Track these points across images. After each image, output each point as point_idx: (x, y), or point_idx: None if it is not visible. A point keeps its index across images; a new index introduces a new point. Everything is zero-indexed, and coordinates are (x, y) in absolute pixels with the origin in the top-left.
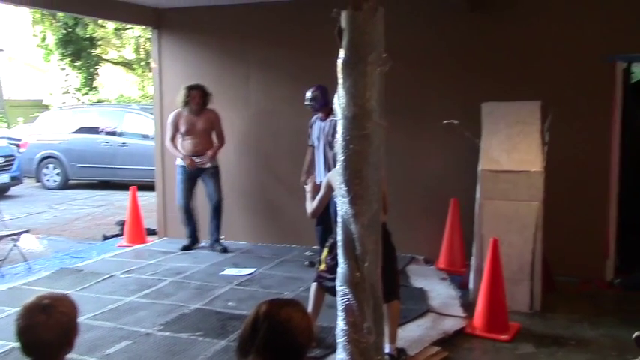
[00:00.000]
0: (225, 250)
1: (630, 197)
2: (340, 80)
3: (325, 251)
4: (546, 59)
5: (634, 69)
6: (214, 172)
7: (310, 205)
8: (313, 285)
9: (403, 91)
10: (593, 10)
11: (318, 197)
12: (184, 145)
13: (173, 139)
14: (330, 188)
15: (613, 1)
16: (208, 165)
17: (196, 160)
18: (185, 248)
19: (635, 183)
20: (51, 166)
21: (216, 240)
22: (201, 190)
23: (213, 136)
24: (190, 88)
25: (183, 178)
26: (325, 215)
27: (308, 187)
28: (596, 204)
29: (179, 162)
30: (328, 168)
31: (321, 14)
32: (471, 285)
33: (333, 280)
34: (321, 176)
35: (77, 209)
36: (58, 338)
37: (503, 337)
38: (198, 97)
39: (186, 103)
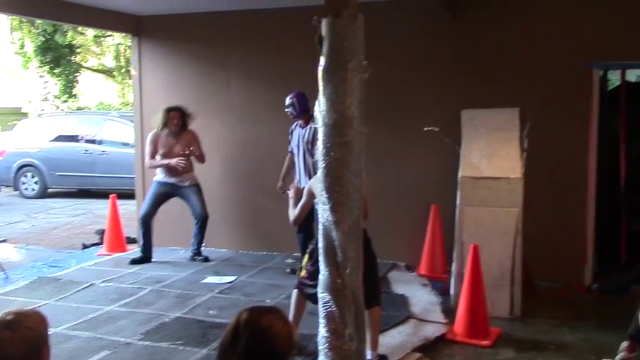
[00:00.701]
0: (206, 259)
1: (607, 202)
2: (320, 87)
3: (306, 257)
4: (526, 66)
5: (610, 76)
6: (197, 190)
7: (292, 212)
8: (294, 292)
9: (384, 98)
10: (571, 19)
11: (299, 204)
12: (165, 174)
13: (153, 157)
14: (311, 195)
15: (589, 11)
16: (187, 183)
17: (175, 180)
18: (135, 262)
19: (612, 188)
20: (29, 174)
21: (198, 252)
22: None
23: (192, 157)
24: (169, 110)
25: (155, 191)
26: (307, 222)
27: (291, 193)
28: (574, 210)
29: (157, 177)
30: (309, 175)
31: (302, 21)
32: (452, 291)
33: (314, 287)
34: (302, 183)
35: (56, 218)
36: (25, 354)
37: (484, 342)
38: (177, 119)
39: (165, 124)
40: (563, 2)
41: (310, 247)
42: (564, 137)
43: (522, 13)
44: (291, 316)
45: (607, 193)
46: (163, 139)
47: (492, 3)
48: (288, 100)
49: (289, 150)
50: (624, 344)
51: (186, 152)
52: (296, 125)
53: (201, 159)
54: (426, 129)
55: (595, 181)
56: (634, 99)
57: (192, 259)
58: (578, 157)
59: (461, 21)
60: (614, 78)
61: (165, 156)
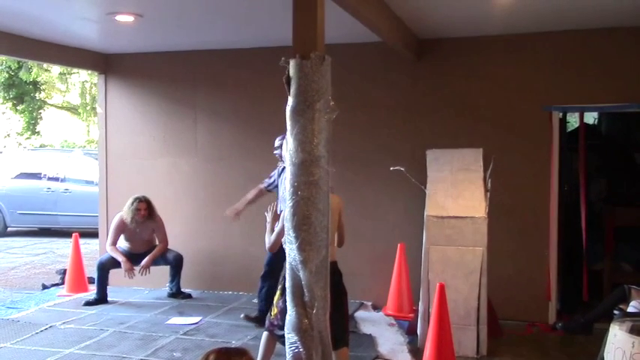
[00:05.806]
0: (189, 296)
1: (569, 241)
2: (288, 127)
3: (277, 294)
4: (489, 108)
5: (569, 119)
6: (154, 246)
7: (268, 238)
8: (264, 334)
9: (351, 138)
10: (532, 64)
11: (276, 230)
12: (127, 247)
13: (114, 243)
14: None
15: (549, 56)
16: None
17: (136, 267)
18: (89, 304)
19: (573, 228)
20: None
21: (179, 291)
22: None
23: (156, 240)
24: (137, 200)
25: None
26: (274, 272)
27: (268, 218)
28: (537, 248)
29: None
30: None
31: (269, 62)
32: (419, 331)
33: (284, 328)
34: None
35: (15, 258)
36: None
37: None
38: (143, 210)
39: (132, 217)
40: (525, 49)
41: (282, 282)
42: (527, 177)
43: (485, 56)
44: (259, 359)
45: (568, 231)
46: (129, 227)
47: (455, 47)
48: (277, 142)
49: (263, 185)
50: None
51: (145, 261)
52: (283, 169)
53: (164, 244)
54: (392, 168)
55: (557, 219)
56: (590, 140)
57: (173, 296)
58: (541, 197)
59: (425, 63)
60: (573, 120)
61: (129, 241)
